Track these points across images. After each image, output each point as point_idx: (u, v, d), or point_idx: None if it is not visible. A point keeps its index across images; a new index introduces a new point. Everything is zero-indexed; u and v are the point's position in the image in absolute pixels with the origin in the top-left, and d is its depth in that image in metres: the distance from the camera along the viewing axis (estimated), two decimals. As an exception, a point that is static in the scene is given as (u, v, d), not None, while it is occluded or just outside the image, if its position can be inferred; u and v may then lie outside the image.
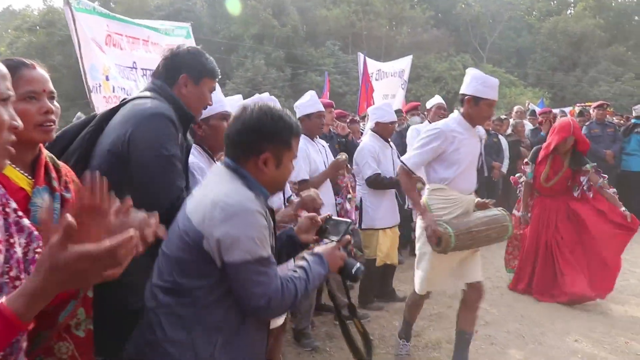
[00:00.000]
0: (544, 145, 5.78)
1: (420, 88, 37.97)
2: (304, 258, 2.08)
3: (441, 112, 6.42)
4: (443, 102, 6.61)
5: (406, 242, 6.89)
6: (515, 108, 10.71)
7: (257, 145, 1.94)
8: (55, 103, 1.89)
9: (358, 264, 2.13)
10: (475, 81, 3.81)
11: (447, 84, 38.17)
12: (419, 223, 3.89)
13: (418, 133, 5.96)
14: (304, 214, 2.47)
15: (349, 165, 4.90)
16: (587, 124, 9.56)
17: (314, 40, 42.57)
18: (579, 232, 5.62)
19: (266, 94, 4.47)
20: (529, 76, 43.52)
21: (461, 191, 3.84)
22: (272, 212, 2.07)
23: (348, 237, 2.24)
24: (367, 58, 9.66)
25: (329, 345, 4.68)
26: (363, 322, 4.91)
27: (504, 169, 8.87)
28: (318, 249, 2.13)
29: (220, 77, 2.70)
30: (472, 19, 45.95)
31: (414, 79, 39.40)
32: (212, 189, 1.92)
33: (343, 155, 4.72)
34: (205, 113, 2.83)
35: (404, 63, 10.78)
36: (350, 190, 5.16)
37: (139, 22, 6.05)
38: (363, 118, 8.91)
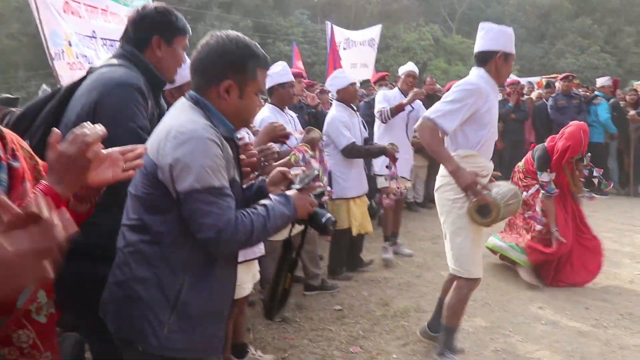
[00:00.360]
0: (555, 154, 5.28)
1: (389, 58, 37.84)
2: (269, 197, 1.99)
3: (410, 80, 6.17)
4: (415, 69, 6.33)
5: (374, 213, 6.92)
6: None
7: (220, 72, 1.89)
8: None
9: (329, 215, 2.05)
10: (504, 36, 3.48)
11: (416, 54, 38.07)
12: (447, 195, 3.51)
13: (385, 98, 5.97)
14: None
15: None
16: (553, 95, 9.73)
17: (283, 9, 42.01)
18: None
19: None
20: (497, 47, 43.73)
21: (487, 158, 3.55)
22: (236, 145, 2.01)
23: (319, 184, 2.13)
24: (334, 26, 9.57)
25: (299, 315, 4.70)
26: (333, 292, 5.06)
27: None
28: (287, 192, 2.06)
29: (190, 34, 2.62)
30: (442, -11, 45.90)
31: (383, 48, 39.21)
32: (169, 120, 1.89)
33: (317, 133, 4.69)
34: (177, 81, 2.78)
35: (374, 32, 10.71)
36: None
37: (96, -10, 5.85)
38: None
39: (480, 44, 3.55)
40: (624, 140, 9.89)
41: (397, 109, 5.79)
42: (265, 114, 4.55)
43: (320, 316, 4.68)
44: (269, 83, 4.62)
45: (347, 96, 5.38)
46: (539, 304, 4.82)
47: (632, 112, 9.62)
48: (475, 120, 3.39)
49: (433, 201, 8.84)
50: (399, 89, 6.20)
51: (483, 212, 3.30)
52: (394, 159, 5.36)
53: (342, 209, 5.33)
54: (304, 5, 41.88)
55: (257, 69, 1.94)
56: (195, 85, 1.95)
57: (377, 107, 5.90)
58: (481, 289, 5.16)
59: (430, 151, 3.43)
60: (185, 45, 2.53)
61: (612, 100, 9.81)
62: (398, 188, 5.55)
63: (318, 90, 7.81)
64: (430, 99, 8.95)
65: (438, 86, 9.77)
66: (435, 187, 3.66)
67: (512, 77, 13.26)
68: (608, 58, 40.88)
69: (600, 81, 10.29)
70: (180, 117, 1.86)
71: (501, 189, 3.42)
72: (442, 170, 3.50)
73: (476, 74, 3.52)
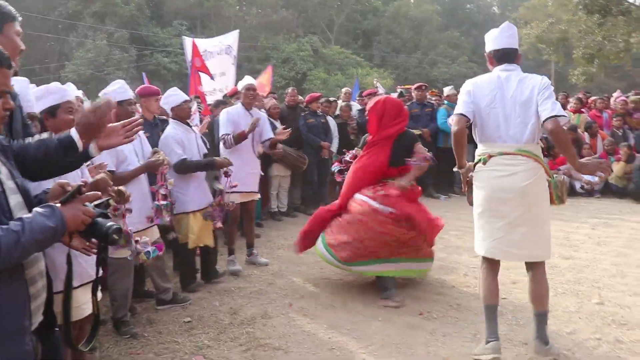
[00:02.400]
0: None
1: (269, 69, 38.17)
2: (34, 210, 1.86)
3: (250, 94, 6.22)
4: (254, 82, 6.36)
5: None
6: (343, 90, 11.23)
7: None
8: None
9: (112, 223, 1.99)
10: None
11: (295, 64, 38.73)
12: (543, 185, 3.76)
13: (229, 118, 6.07)
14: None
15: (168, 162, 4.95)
16: (408, 104, 10.29)
17: (160, 20, 41.29)
18: None
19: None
20: (375, 57, 45.32)
21: None
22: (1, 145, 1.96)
23: (96, 194, 2.04)
24: (195, 40, 9.59)
25: (149, 330, 4.71)
26: (184, 305, 5.12)
27: (334, 148, 9.33)
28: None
29: (21, 18, 2.63)
30: (320, 0, 46.86)
31: (262, 59, 39.56)
32: None
33: (161, 155, 4.76)
34: (46, 103, 2.96)
35: (230, 39, 10.63)
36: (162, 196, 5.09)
37: None
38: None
39: (507, 43, 3.90)
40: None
41: (240, 138, 5.99)
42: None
43: (169, 329, 4.72)
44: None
45: (182, 113, 5.50)
46: (380, 303, 5.12)
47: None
48: None
49: (297, 209, 9.18)
50: (242, 104, 6.30)
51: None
52: (225, 172, 5.60)
53: (182, 222, 5.42)
54: (182, 16, 41.31)
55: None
56: None
57: (221, 130, 6.02)
58: (329, 292, 5.47)
59: (567, 147, 3.68)
60: (19, 32, 2.54)
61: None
62: (231, 202, 5.73)
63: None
64: (292, 110, 9.25)
65: (300, 97, 10.08)
66: (527, 182, 3.67)
67: (359, 88, 13.90)
68: (475, 67, 43.47)
69: (446, 90, 11.06)
70: None
71: None
72: (535, 164, 3.69)
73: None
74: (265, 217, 8.78)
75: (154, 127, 5.73)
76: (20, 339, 1.88)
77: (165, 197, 4.93)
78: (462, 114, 3.77)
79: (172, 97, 5.55)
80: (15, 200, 1.89)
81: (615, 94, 13.54)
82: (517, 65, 3.86)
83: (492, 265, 3.91)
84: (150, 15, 40.66)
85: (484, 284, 3.92)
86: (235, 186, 5.71)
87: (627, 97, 12.06)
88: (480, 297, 3.96)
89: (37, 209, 1.83)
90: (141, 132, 4.99)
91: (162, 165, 4.73)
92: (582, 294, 5.12)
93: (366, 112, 9.78)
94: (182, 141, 5.38)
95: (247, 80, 6.38)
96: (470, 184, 3.94)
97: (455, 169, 3.98)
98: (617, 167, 9.96)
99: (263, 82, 11.07)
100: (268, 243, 7.40)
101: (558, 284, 5.42)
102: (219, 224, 5.63)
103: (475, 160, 3.83)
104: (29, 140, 2.21)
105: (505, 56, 3.83)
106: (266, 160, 8.43)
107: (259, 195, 6.54)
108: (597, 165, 3.63)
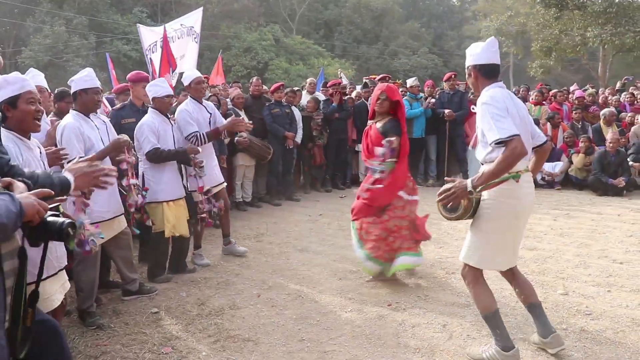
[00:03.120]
0: None
1: (231, 58, 37.88)
2: None
3: (201, 87, 6.02)
4: (199, 74, 6.10)
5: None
6: (308, 80, 11.20)
7: None
8: None
9: (65, 219, 2.05)
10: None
11: (257, 54, 38.47)
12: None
13: (191, 116, 5.80)
14: None
15: (132, 145, 4.87)
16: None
17: (120, 7, 40.45)
18: None
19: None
20: (336, 48, 45.36)
21: None
22: None
23: (44, 191, 2.10)
24: (142, 29, 9.44)
25: (115, 321, 4.63)
26: (151, 295, 5.04)
27: (298, 138, 9.29)
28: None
29: None
30: (282, -11, 46.66)
31: (224, 48, 39.18)
32: None
33: (124, 136, 4.68)
34: (5, 94, 2.97)
35: (193, 19, 10.40)
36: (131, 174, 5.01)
37: None
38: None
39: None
40: (441, 136, 10.79)
41: (214, 135, 5.92)
42: (69, 121, 4.45)
43: (136, 320, 4.64)
44: (73, 88, 4.58)
45: (162, 106, 5.48)
46: (348, 295, 5.11)
47: (447, 111, 10.47)
48: None
49: (262, 199, 9.13)
50: (192, 98, 6.01)
51: None
52: (195, 161, 5.56)
53: (157, 211, 5.36)
54: (142, 3, 40.56)
55: None
56: None
57: (188, 130, 5.71)
58: (296, 282, 5.44)
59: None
60: None
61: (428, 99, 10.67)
62: (212, 205, 5.85)
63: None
64: (256, 100, 9.17)
65: (265, 87, 10.00)
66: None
67: (323, 78, 13.91)
68: (436, 59, 44.01)
69: (409, 82, 11.15)
70: None
71: None
72: None
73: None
74: (230, 208, 8.69)
75: (142, 114, 5.64)
76: None
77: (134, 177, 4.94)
78: (518, 134, 3.32)
79: (157, 87, 5.48)
80: None
81: (572, 87, 13.86)
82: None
83: (482, 273, 3.79)
84: (110, 2, 39.79)
85: (483, 293, 3.74)
86: (203, 189, 5.76)
87: (584, 90, 12.36)
88: (481, 309, 3.73)
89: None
90: (106, 119, 4.94)
91: (126, 144, 4.64)
92: (547, 285, 5.20)
93: (334, 102, 9.87)
94: (157, 131, 5.33)
95: (195, 73, 6.13)
96: (474, 202, 3.58)
97: (470, 188, 3.45)
98: (577, 159, 10.17)
99: (219, 73, 10.99)
100: (234, 233, 7.27)
101: (523, 274, 5.49)
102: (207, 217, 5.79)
103: (506, 177, 3.48)
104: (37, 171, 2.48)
105: (493, 71, 3.69)
106: (231, 150, 8.35)
107: (225, 183, 6.45)
108: None
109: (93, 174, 2.69)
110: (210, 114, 6.08)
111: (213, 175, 6.05)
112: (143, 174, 5.38)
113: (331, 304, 4.89)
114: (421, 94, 10.86)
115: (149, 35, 9.77)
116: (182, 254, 5.83)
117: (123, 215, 4.84)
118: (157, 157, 5.30)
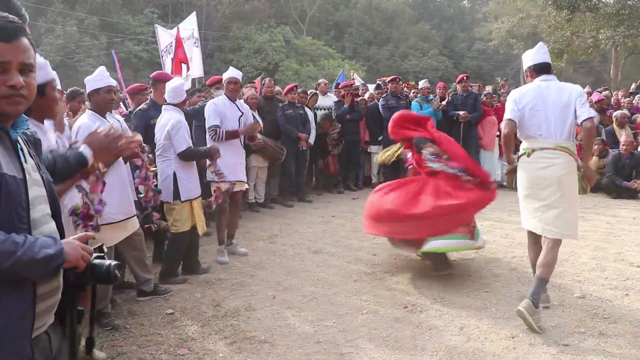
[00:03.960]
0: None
1: (241, 59, 37.97)
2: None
3: (231, 87, 6.31)
4: (237, 75, 6.39)
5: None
6: (320, 81, 11.19)
7: None
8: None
9: (110, 262, 1.90)
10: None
11: (267, 55, 38.52)
12: (574, 176, 4.52)
13: (216, 111, 6.12)
14: None
15: (144, 145, 4.87)
16: (383, 95, 10.40)
17: (132, 8, 40.59)
18: None
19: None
20: (347, 49, 45.32)
21: None
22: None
23: (88, 235, 1.98)
24: (159, 29, 9.49)
25: (130, 322, 4.64)
26: (165, 296, 5.05)
27: (311, 139, 9.29)
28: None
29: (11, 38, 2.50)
30: (292, -9, 46.71)
31: (235, 50, 39.29)
32: None
33: (138, 135, 4.68)
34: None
35: (190, 22, 10.52)
36: (148, 166, 5.07)
37: None
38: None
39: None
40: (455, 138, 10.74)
41: (232, 136, 6.15)
42: (84, 121, 4.47)
43: (151, 321, 4.64)
44: (87, 89, 4.62)
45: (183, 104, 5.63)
46: (364, 297, 5.10)
47: (462, 113, 10.43)
48: None
49: (274, 201, 9.13)
50: (225, 95, 6.38)
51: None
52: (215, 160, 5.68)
53: (184, 210, 5.43)
54: (153, 4, 40.71)
55: None
56: None
57: (210, 122, 6.09)
58: (311, 284, 5.43)
59: (590, 145, 4.81)
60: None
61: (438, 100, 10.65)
62: (227, 190, 5.81)
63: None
64: (269, 101, 9.18)
65: (278, 88, 10.01)
66: (562, 172, 4.40)
67: (344, 79, 13.92)
68: (446, 61, 43.90)
69: (421, 84, 11.20)
70: None
71: None
72: (570, 158, 4.43)
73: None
74: (243, 209, 8.70)
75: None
76: (16, 342, 1.71)
77: (149, 179, 5.00)
78: (510, 119, 4.56)
79: (174, 94, 5.48)
80: (36, 192, 1.79)
81: (584, 90, 13.76)
82: (553, 75, 4.66)
83: (534, 238, 4.73)
84: (121, 3, 39.94)
85: (530, 254, 4.88)
86: (222, 175, 5.75)
87: (599, 92, 12.29)
88: (551, 271, 4.45)
89: (43, 237, 1.72)
90: (121, 118, 4.99)
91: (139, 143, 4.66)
92: (564, 288, 5.17)
93: (345, 104, 9.88)
94: (188, 129, 5.48)
95: (231, 72, 6.42)
96: (513, 173, 4.82)
97: (502, 162, 4.88)
98: (591, 162, 10.09)
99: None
100: (247, 234, 7.33)
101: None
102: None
103: (520, 154, 4.62)
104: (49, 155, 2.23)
105: (542, 69, 4.61)
106: (245, 151, 8.36)
107: (247, 185, 6.51)
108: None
109: (112, 144, 2.44)
110: (242, 113, 6.35)
111: (237, 172, 6.19)
112: (174, 174, 5.37)
113: (347, 306, 4.88)
114: (431, 96, 10.84)
115: (166, 36, 9.80)
116: (195, 253, 5.84)
117: (136, 217, 4.83)
118: (191, 155, 5.39)
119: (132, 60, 35.06)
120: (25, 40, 1.74)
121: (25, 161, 1.80)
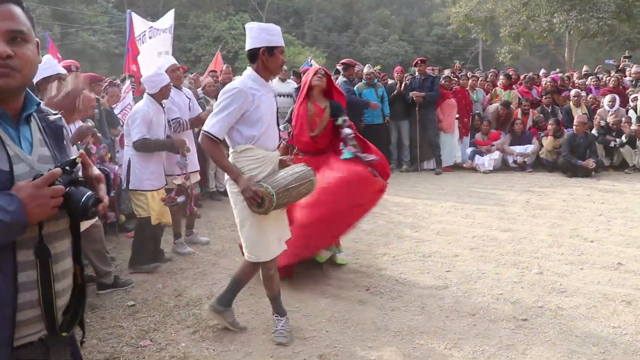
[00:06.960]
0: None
1: (200, 48, 37.51)
2: None
3: (176, 75, 6.07)
4: (175, 62, 6.19)
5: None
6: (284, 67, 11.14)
7: None
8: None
9: (89, 192, 1.59)
10: (263, 32, 3.70)
11: (227, 43, 38.09)
12: (232, 189, 3.75)
13: (175, 103, 5.99)
14: None
15: (97, 133, 4.81)
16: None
17: (85, -4, 39.68)
18: None
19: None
20: (307, 36, 45.10)
21: (267, 149, 3.77)
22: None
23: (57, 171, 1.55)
24: (134, 17, 9.27)
25: (91, 316, 4.54)
26: (127, 288, 4.98)
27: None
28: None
29: None
30: (250, -22, 46.23)
31: (193, 38, 38.75)
32: None
33: (88, 122, 4.62)
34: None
35: (170, 18, 10.43)
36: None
37: None
38: (122, 80, 8.66)
39: (247, 44, 3.77)
40: (413, 121, 10.84)
41: (197, 122, 6.12)
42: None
43: (112, 314, 4.58)
44: (35, 78, 4.49)
45: (162, 96, 5.52)
46: (326, 281, 5.13)
47: (413, 92, 10.55)
48: (246, 120, 3.67)
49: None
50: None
51: (260, 203, 3.55)
52: (183, 151, 5.65)
53: (142, 199, 5.38)
54: (108, -8, 39.83)
55: None
56: None
57: (171, 114, 5.85)
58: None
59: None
60: None
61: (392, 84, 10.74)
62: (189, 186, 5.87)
63: (107, 84, 7.60)
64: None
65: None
66: (225, 180, 3.88)
67: (309, 66, 13.87)
68: (406, 46, 44.07)
69: (365, 69, 11.16)
70: None
71: (283, 177, 3.70)
72: None
73: (244, 75, 3.81)
74: (204, 197, 8.62)
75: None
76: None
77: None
78: None
79: (152, 83, 5.43)
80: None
81: (540, 73, 14.06)
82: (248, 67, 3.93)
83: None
84: (74, -8, 38.98)
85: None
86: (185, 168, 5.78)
87: (556, 74, 12.54)
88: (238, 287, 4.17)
89: None
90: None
91: (89, 131, 4.64)
92: (523, 265, 5.28)
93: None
94: (151, 119, 5.33)
95: (169, 61, 6.24)
96: None
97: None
98: (547, 142, 10.31)
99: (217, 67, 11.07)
100: (209, 223, 7.28)
101: (499, 255, 5.58)
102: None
103: None
104: None
105: None
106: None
107: (199, 176, 6.43)
108: None
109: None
110: (189, 99, 6.29)
111: (194, 161, 6.12)
112: (129, 161, 5.34)
113: (309, 290, 4.89)
114: (376, 80, 10.84)
115: (141, 24, 9.60)
116: (158, 242, 5.78)
117: None
118: (145, 146, 5.27)
119: (88, 52, 34.29)
120: (10, 6, 1.62)
121: (32, 149, 1.65)
